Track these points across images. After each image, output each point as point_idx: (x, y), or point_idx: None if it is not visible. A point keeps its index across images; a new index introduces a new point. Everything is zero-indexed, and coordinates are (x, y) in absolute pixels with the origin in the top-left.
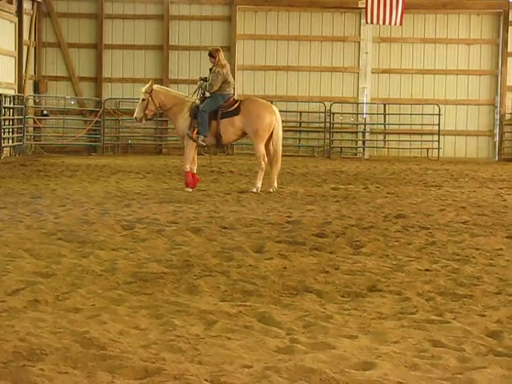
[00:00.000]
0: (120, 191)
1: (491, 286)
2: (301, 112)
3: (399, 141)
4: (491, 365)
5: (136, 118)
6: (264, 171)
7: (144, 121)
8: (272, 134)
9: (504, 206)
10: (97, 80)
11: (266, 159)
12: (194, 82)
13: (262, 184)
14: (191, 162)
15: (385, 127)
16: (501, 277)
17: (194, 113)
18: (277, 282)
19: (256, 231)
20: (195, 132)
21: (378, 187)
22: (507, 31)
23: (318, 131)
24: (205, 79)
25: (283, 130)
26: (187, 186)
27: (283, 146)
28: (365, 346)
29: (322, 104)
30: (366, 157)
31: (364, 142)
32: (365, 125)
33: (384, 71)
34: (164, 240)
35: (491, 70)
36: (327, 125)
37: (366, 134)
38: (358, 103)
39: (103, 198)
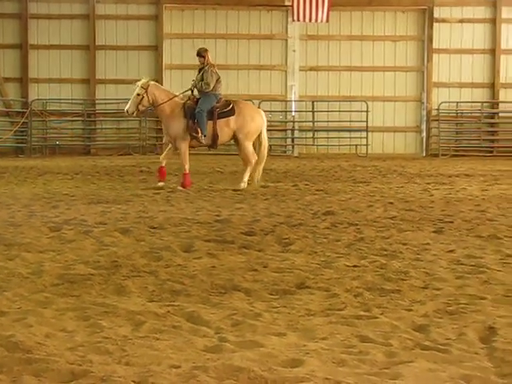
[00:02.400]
0: (48, 193)
1: (418, 280)
2: None
3: (328, 138)
4: (418, 359)
5: (127, 111)
6: (252, 167)
7: (135, 115)
8: (260, 135)
9: (431, 201)
10: (22, 81)
11: (256, 157)
12: (121, 81)
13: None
14: (187, 161)
15: (313, 124)
16: (428, 271)
17: (190, 114)
18: (205, 281)
19: (185, 230)
20: (199, 132)
21: (307, 184)
22: (432, 28)
23: None
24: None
25: None
26: (184, 188)
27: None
28: (293, 343)
29: (250, 102)
30: (295, 154)
31: (293, 140)
32: (293, 122)
33: (312, 69)
34: (92, 241)
35: (417, 66)
36: None
37: (295, 131)
38: (286, 101)
39: (30, 199)
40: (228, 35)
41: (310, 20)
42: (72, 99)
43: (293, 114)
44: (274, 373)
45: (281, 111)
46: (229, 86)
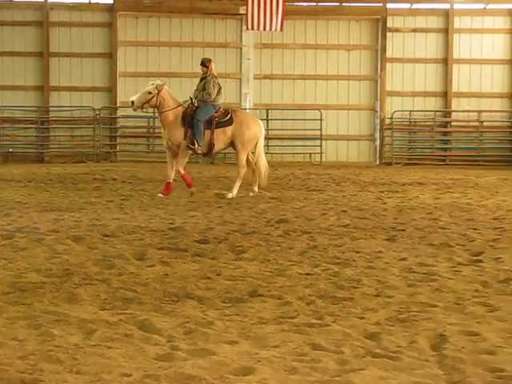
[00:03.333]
0: (0, 200)
1: (370, 288)
2: None
3: (282, 146)
4: (369, 366)
5: (132, 103)
6: (241, 180)
7: (138, 110)
8: (256, 144)
9: (384, 209)
10: None
11: (246, 169)
12: (75, 88)
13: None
14: (183, 166)
15: (268, 133)
16: (380, 279)
17: (188, 123)
18: (158, 289)
19: (138, 238)
20: (196, 144)
21: (260, 192)
22: (385, 37)
23: None
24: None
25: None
26: (189, 187)
27: None
28: (245, 352)
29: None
30: None
31: None
32: None
33: (266, 77)
34: (44, 249)
35: (371, 75)
36: None
37: None
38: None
39: None
40: (182, 43)
41: (265, 29)
42: (26, 106)
43: None
44: (226, 381)
45: None
46: (183, 94)
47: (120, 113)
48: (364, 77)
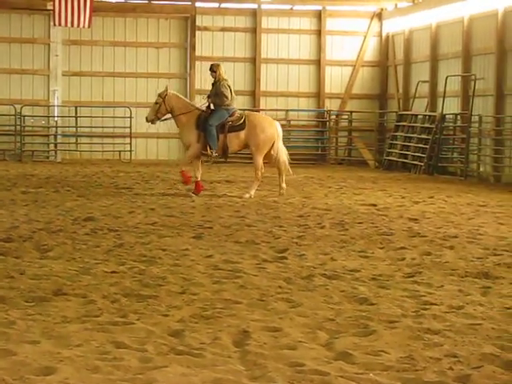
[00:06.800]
0: None
1: (176, 285)
2: None
3: (92, 143)
4: (172, 363)
5: (147, 119)
6: (259, 181)
7: (155, 122)
8: (273, 146)
9: (192, 207)
10: None
11: (263, 170)
12: None
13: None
14: (196, 169)
15: (76, 130)
16: (185, 276)
17: (202, 127)
18: None
19: None
20: (208, 149)
21: (69, 190)
22: (194, 35)
23: (9, 134)
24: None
25: None
26: (186, 185)
27: None
28: (47, 351)
29: (12, 107)
30: (58, 160)
31: (56, 145)
32: (56, 128)
33: (75, 74)
34: None
35: (180, 73)
36: (18, 128)
37: (58, 137)
38: (49, 106)
39: None
40: None
41: (72, 25)
42: None
43: (55, 119)
44: (26, 381)
45: (43, 116)
46: None
47: None
48: (173, 75)
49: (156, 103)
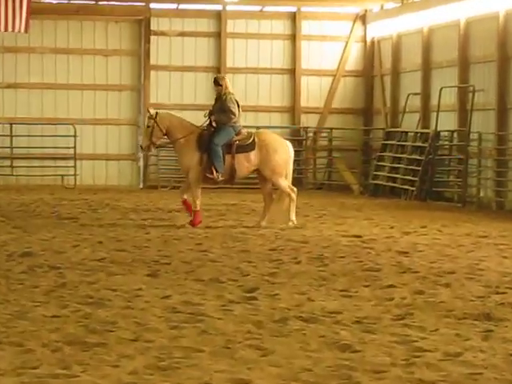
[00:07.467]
0: None
1: (127, 331)
2: None
3: (29, 167)
4: None
5: (141, 147)
6: (295, 202)
7: (152, 149)
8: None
9: (147, 240)
10: None
11: (295, 189)
12: None
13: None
14: (196, 197)
15: (12, 151)
16: (138, 321)
17: (205, 147)
18: None
19: None
20: (213, 171)
21: (2, 221)
22: (149, 41)
23: None
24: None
25: None
26: (193, 226)
27: None
28: None
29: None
30: None
31: None
32: None
33: (10, 86)
34: None
35: (133, 84)
36: None
37: None
38: None
39: None
40: None
41: (6, 29)
42: None
43: None
44: None
45: None
46: None
47: None
48: (125, 87)
49: (148, 127)
